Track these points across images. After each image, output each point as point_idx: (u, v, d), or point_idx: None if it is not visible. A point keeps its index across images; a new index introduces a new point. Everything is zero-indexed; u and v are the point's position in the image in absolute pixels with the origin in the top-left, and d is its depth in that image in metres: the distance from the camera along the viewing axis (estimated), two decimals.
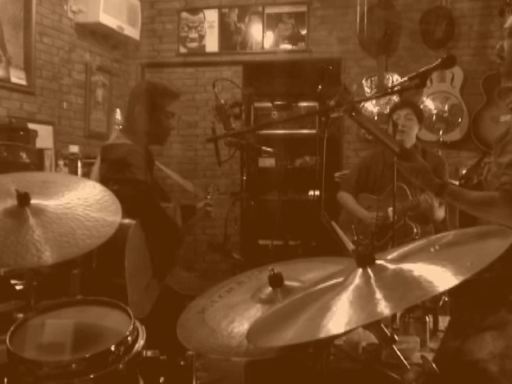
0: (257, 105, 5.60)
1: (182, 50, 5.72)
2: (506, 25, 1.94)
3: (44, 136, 4.24)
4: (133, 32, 5.29)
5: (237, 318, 1.48)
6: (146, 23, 5.62)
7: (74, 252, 1.57)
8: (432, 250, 1.31)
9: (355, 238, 2.84)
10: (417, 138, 3.60)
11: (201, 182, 5.25)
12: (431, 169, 2.01)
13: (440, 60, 1.89)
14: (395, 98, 4.81)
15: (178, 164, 5.50)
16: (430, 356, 1.88)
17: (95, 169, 2.65)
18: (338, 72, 5.30)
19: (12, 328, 1.53)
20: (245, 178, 2.84)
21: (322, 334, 1.10)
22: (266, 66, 5.65)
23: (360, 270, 1.25)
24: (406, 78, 1.89)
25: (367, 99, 4.93)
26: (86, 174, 4.11)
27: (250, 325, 1.35)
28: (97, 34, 5.11)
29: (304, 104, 5.50)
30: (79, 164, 4.37)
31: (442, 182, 1.99)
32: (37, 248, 1.52)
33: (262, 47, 5.56)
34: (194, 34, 5.68)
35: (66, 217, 1.65)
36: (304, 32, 5.47)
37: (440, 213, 3.45)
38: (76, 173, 4.31)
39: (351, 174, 3.81)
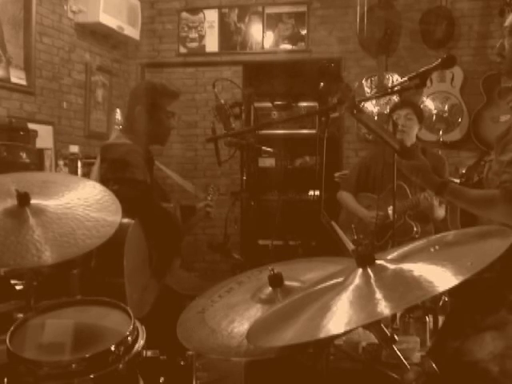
0: (257, 105, 5.60)
1: (182, 50, 5.72)
2: (506, 23, 1.94)
3: (44, 136, 4.24)
4: (133, 32, 5.29)
5: (237, 317, 1.48)
6: (146, 23, 5.62)
7: (73, 252, 1.57)
8: (432, 250, 1.31)
9: (355, 238, 2.84)
10: (417, 137, 3.60)
11: (201, 181, 5.25)
12: (431, 167, 2.01)
13: (440, 60, 1.89)
14: (395, 98, 4.81)
15: (178, 164, 5.50)
16: None
17: (95, 169, 2.65)
18: (339, 70, 5.30)
19: (12, 328, 1.53)
20: (245, 177, 2.84)
21: (322, 334, 1.09)
22: (266, 66, 5.65)
23: (360, 270, 1.25)
24: (405, 78, 1.89)
25: (367, 99, 4.92)
26: (86, 174, 4.11)
27: (250, 325, 1.35)
28: (97, 33, 5.11)
29: (304, 104, 5.50)
30: (79, 164, 4.38)
31: (442, 180, 1.99)
32: (37, 248, 1.53)
33: (262, 47, 5.56)
34: (193, 34, 5.68)
35: (66, 217, 1.65)
36: (304, 32, 5.47)
37: (440, 212, 3.45)
38: (76, 173, 4.32)
39: (351, 173, 3.81)
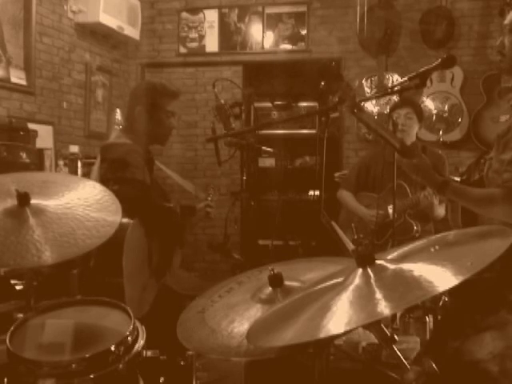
0: (257, 105, 5.60)
1: (182, 50, 5.72)
2: (506, 21, 1.94)
3: (44, 136, 4.24)
4: (133, 32, 5.29)
5: (237, 317, 1.48)
6: (146, 23, 5.62)
7: (73, 252, 1.57)
8: (432, 249, 1.31)
9: (355, 237, 2.84)
10: (417, 137, 3.60)
11: (201, 181, 5.25)
12: (431, 165, 2.01)
13: (440, 60, 1.90)
14: (395, 98, 4.81)
15: (178, 164, 5.50)
16: None
17: (95, 168, 2.65)
18: (339, 70, 5.30)
19: (12, 328, 1.53)
20: (245, 177, 2.84)
21: (322, 334, 1.09)
22: (266, 66, 5.65)
23: (360, 270, 1.25)
24: (405, 78, 1.89)
25: (367, 99, 4.92)
26: (86, 174, 4.12)
27: (250, 325, 1.35)
28: (97, 33, 5.11)
29: (304, 104, 5.50)
30: (79, 164, 4.38)
31: (443, 178, 1.99)
32: (37, 248, 1.52)
33: (262, 47, 5.56)
34: (193, 34, 5.68)
35: (66, 217, 1.65)
36: (304, 32, 5.47)
37: (440, 210, 3.45)
38: (76, 173, 4.32)
39: (351, 173, 3.81)
